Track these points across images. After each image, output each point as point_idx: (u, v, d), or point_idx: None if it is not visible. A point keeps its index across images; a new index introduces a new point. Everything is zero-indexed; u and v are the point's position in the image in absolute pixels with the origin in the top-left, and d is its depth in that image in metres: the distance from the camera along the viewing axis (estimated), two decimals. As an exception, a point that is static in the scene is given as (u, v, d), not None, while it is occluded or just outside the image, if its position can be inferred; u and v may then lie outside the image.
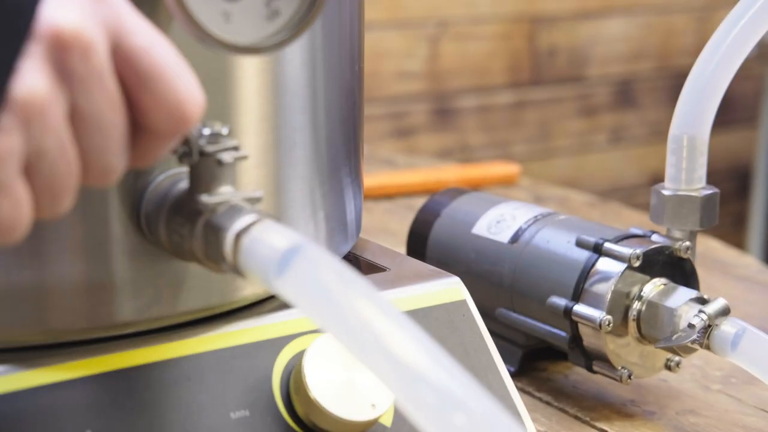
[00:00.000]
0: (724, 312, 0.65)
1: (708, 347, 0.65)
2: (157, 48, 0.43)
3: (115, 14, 0.43)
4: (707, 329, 0.65)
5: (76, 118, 0.42)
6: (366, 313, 0.43)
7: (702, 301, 0.67)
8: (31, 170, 0.42)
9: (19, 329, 0.52)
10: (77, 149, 0.43)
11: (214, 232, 0.48)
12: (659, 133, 2.33)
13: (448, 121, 2.10)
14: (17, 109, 0.40)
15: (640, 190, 2.32)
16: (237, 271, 0.48)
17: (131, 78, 0.43)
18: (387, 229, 1.09)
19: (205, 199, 0.49)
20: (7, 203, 0.41)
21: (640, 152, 2.35)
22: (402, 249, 0.82)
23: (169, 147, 0.46)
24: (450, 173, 1.31)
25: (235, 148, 0.50)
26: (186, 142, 0.49)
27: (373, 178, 1.20)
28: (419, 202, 0.87)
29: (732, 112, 2.38)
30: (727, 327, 0.65)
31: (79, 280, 0.51)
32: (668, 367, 0.70)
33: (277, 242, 0.46)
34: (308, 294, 0.45)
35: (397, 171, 1.31)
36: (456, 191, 0.82)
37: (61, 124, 0.42)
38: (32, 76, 0.40)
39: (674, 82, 2.34)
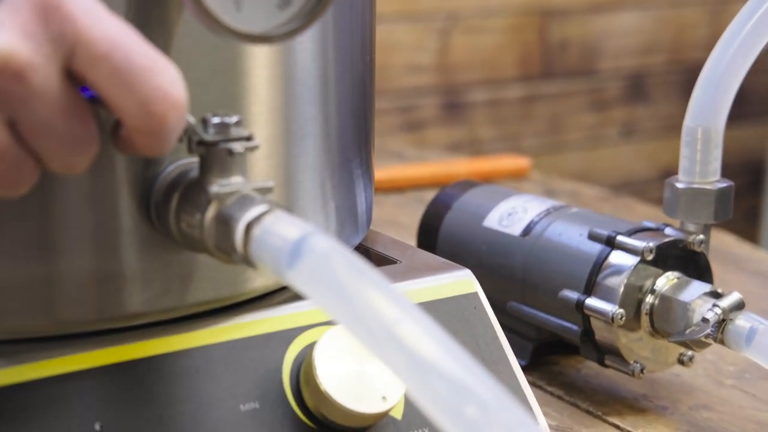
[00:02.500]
0: (739, 306, 0.65)
1: (722, 342, 0.65)
2: (119, 52, 0.44)
3: (68, 24, 0.43)
4: (721, 324, 0.65)
5: (20, 128, 0.44)
6: (378, 303, 0.43)
7: (716, 295, 0.67)
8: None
9: (28, 320, 0.52)
10: (23, 150, 0.44)
11: (225, 223, 0.48)
12: (671, 127, 2.32)
13: (459, 115, 2.10)
14: None
15: (652, 185, 2.32)
16: (247, 261, 0.48)
17: (97, 81, 0.44)
18: (397, 222, 1.09)
19: (215, 189, 0.49)
20: None
21: (651, 146, 2.35)
22: (412, 242, 0.82)
23: (162, 141, 0.46)
24: (460, 167, 1.31)
25: (248, 138, 0.50)
26: (193, 131, 0.49)
27: (383, 171, 1.20)
28: (430, 195, 0.88)
29: (746, 106, 2.38)
30: (741, 321, 0.65)
31: (88, 271, 0.51)
32: (681, 362, 0.70)
33: (288, 233, 0.46)
34: (320, 285, 0.45)
35: (407, 164, 1.31)
36: (467, 184, 0.83)
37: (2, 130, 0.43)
38: None
39: (687, 76, 2.34)
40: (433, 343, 0.42)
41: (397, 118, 2.03)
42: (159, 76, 0.45)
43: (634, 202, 1.23)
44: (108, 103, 0.45)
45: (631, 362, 0.69)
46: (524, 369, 0.74)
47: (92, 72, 0.44)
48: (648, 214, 1.12)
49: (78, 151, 0.45)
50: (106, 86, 0.44)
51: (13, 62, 0.43)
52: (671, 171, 0.70)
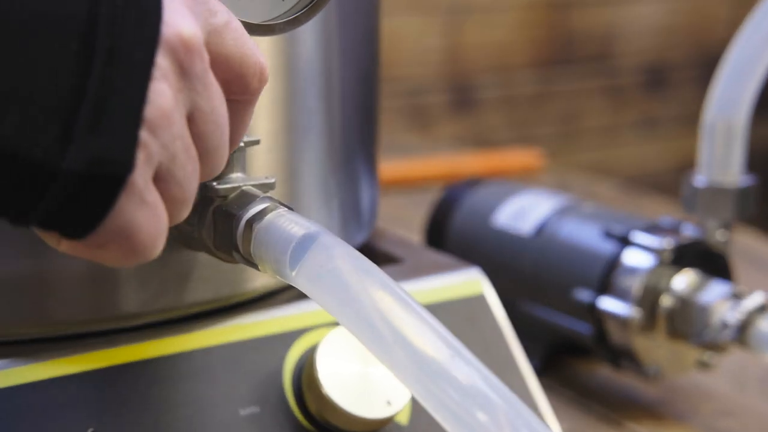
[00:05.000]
0: (762, 308, 0.66)
1: (744, 345, 0.65)
2: (233, 17, 0.45)
3: (208, 13, 0.44)
4: (743, 326, 0.65)
5: (196, 117, 0.44)
6: (384, 304, 0.44)
7: (737, 295, 0.67)
8: (161, 179, 0.43)
9: (20, 321, 0.52)
10: (197, 150, 0.44)
11: (225, 220, 0.49)
12: (691, 119, 2.32)
13: (470, 108, 2.10)
14: (148, 119, 0.42)
15: (671, 177, 2.32)
16: (248, 260, 0.48)
17: (228, 49, 0.45)
18: (403, 220, 1.10)
19: (215, 185, 0.49)
20: (148, 215, 0.43)
21: (670, 138, 2.35)
22: (419, 240, 0.82)
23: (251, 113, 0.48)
24: (470, 161, 1.32)
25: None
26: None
27: (390, 167, 1.20)
28: (437, 191, 0.88)
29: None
30: (765, 324, 0.65)
31: (83, 270, 0.52)
32: (701, 366, 0.70)
33: (290, 230, 0.46)
34: (324, 284, 0.45)
35: (416, 159, 1.31)
36: (474, 181, 0.83)
37: (185, 128, 0.43)
38: (159, 83, 0.42)
39: (707, 67, 2.33)
40: (442, 346, 0.43)
41: (405, 110, 2.03)
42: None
43: (651, 196, 1.23)
44: (234, 69, 0.45)
45: (648, 365, 0.69)
46: (537, 372, 0.74)
47: (223, 40, 0.44)
48: (667, 209, 1.12)
49: (228, 143, 0.46)
50: (235, 52, 0.44)
51: (199, 41, 0.43)
52: (690, 163, 0.71)
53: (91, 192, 0.41)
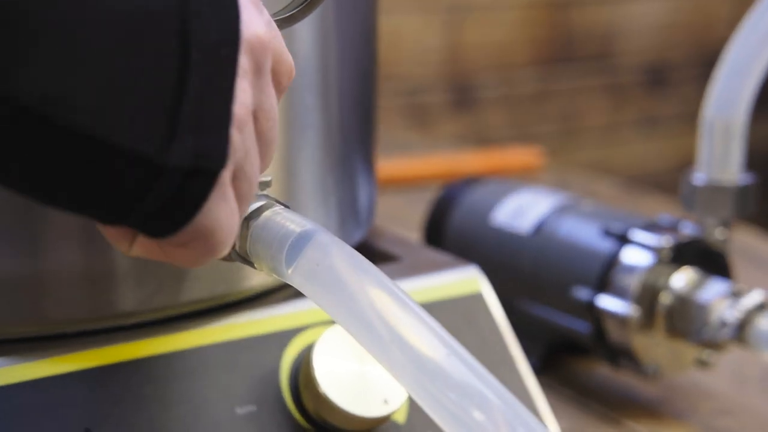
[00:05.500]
0: (761, 306, 0.66)
1: (743, 343, 0.65)
2: (280, 35, 0.46)
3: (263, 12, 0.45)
4: (742, 324, 0.65)
5: (259, 115, 0.44)
6: (381, 303, 0.44)
7: (736, 294, 0.67)
8: (235, 176, 0.44)
9: (16, 320, 0.52)
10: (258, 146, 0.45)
11: (220, 218, 0.48)
12: (691, 117, 2.32)
13: (470, 106, 2.10)
14: (236, 116, 0.42)
15: (671, 176, 2.32)
16: (245, 258, 0.48)
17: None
18: (402, 218, 1.10)
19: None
20: (228, 212, 0.43)
21: (671, 137, 2.35)
22: (417, 239, 0.82)
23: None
24: (470, 159, 1.32)
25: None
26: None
27: (389, 165, 1.20)
28: (436, 190, 0.88)
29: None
30: (764, 322, 0.65)
31: (79, 268, 0.52)
32: (700, 364, 0.70)
33: (287, 229, 0.46)
34: (320, 283, 0.45)
35: (415, 157, 1.31)
36: (473, 180, 0.83)
37: (252, 126, 0.44)
38: (242, 81, 0.42)
39: (707, 66, 2.33)
40: (439, 345, 0.43)
41: (404, 108, 2.03)
42: None
43: (651, 194, 1.23)
44: (274, 67, 0.45)
45: (646, 364, 0.69)
46: (535, 371, 0.74)
47: (274, 39, 0.45)
48: (667, 208, 1.12)
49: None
50: (279, 50, 0.45)
51: (269, 39, 0.44)
52: (693, 163, 0.71)
53: (189, 188, 0.41)
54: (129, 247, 0.45)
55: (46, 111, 0.38)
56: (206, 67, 0.41)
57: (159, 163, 0.40)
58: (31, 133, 0.39)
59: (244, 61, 0.42)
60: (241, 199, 0.44)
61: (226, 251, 0.45)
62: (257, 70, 0.43)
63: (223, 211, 0.43)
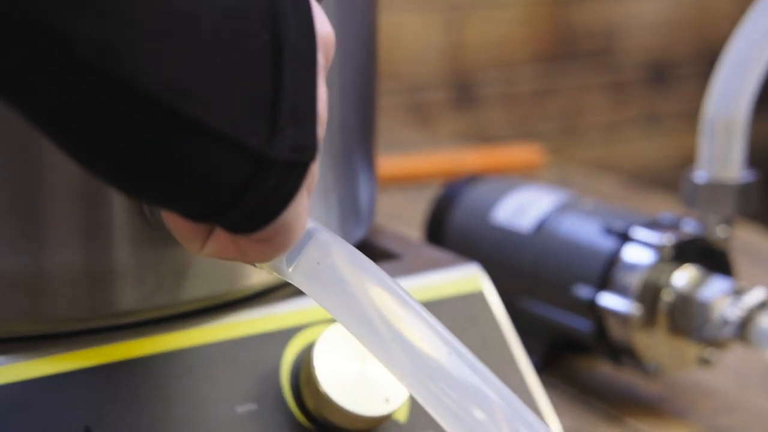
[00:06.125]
0: (763, 304, 0.66)
1: (745, 341, 0.65)
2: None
3: None
4: (744, 322, 0.65)
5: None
6: (381, 301, 0.44)
7: (738, 292, 0.67)
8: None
9: (16, 319, 0.52)
10: None
11: (220, 216, 0.48)
12: (694, 115, 2.32)
13: (471, 104, 2.10)
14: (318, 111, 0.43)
15: (674, 174, 2.32)
16: (244, 257, 0.48)
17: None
18: (403, 217, 1.10)
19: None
20: (304, 206, 0.44)
21: (674, 135, 2.35)
22: (418, 237, 0.82)
23: None
24: (471, 157, 1.32)
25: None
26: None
27: (390, 162, 1.20)
28: (437, 188, 0.88)
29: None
30: (766, 320, 0.65)
31: (78, 267, 0.52)
32: (701, 363, 0.71)
33: (287, 226, 0.46)
34: (320, 281, 0.45)
35: (416, 155, 1.31)
36: (474, 178, 0.83)
37: None
38: (319, 77, 0.43)
39: (710, 63, 2.33)
40: (440, 343, 0.43)
41: (405, 106, 2.03)
42: None
43: (654, 192, 1.23)
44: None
45: (648, 362, 0.69)
46: (537, 369, 0.74)
47: None
48: (669, 206, 1.12)
49: None
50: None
51: (334, 37, 0.45)
52: (693, 159, 0.71)
53: (284, 181, 0.42)
54: (202, 246, 0.45)
55: (171, 101, 0.38)
56: (295, 62, 0.41)
57: (264, 156, 0.40)
58: (153, 123, 0.39)
59: (320, 58, 0.43)
60: (309, 191, 0.45)
61: (293, 246, 0.45)
62: (325, 67, 0.44)
63: (302, 205, 0.43)
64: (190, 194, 0.41)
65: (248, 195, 0.41)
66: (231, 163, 0.40)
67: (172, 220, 0.46)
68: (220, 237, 0.45)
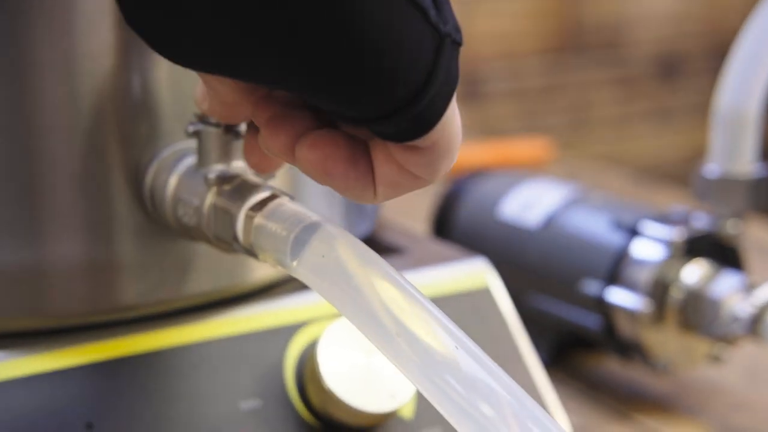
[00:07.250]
0: (774, 300, 0.65)
1: (756, 338, 0.65)
2: None
3: None
4: (755, 318, 0.65)
5: None
6: (387, 295, 0.43)
7: (749, 287, 0.67)
8: None
9: (17, 314, 0.52)
10: None
11: (225, 210, 0.48)
12: (704, 109, 2.32)
13: (478, 98, 2.10)
14: None
15: (684, 168, 2.32)
16: (249, 251, 0.48)
17: None
18: (409, 211, 1.10)
19: (215, 174, 0.49)
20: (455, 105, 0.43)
21: (684, 129, 2.34)
22: (424, 231, 0.82)
23: None
24: (479, 151, 1.31)
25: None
26: (192, 114, 0.50)
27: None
28: (443, 182, 0.88)
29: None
30: (777, 316, 0.65)
31: (80, 261, 0.52)
32: (712, 359, 0.70)
33: (292, 220, 0.46)
34: (326, 275, 0.45)
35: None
36: (481, 172, 0.83)
37: None
38: None
39: (720, 56, 2.33)
40: (446, 338, 0.43)
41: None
42: None
43: (663, 186, 1.23)
44: None
45: (657, 359, 0.69)
46: (545, 365, 0.74)
47: None
48: (678, 200, 1.12)
49: None
50: None
51: None
52: (703, 153, 0.70)
53: (454, 61, 0.40)
54: (374, 193, 0.44)
55: None
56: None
57: (441, 30, 0.39)
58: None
59: None
60: None
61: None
62: None
63: (454, 103, 0.42)
64: (388, 75, 0.39)
65: (434, 77, 0.40)
66: (423, 37, 0.39)
67: (339, 178, 0.45)
68: (385, 170, 0.44)
